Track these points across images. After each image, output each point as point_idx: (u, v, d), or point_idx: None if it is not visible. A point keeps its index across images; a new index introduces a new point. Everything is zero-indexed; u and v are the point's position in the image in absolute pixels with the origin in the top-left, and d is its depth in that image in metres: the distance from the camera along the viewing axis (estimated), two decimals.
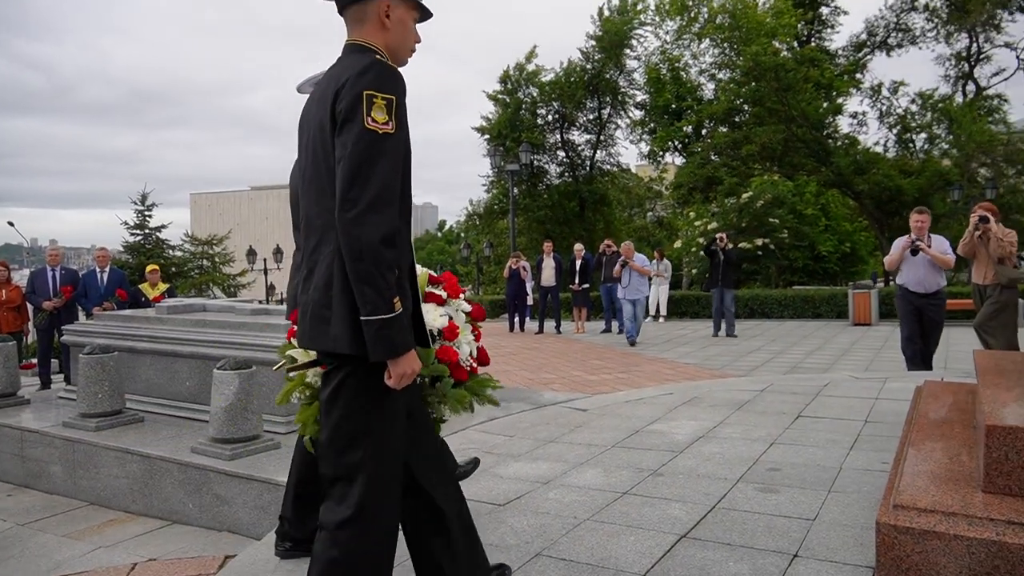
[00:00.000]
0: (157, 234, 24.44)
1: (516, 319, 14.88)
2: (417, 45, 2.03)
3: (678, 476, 3.70)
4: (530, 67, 28.12)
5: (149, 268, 9.83)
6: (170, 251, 25.31)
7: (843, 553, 2.66)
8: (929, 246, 6.96)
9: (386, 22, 1.93)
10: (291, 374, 2.28)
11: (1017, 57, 27.08)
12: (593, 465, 3.99)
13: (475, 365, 2.34)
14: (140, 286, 9.52)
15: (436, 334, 2.18)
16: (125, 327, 6.00)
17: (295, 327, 2.20)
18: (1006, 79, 28.18)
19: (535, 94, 28.37)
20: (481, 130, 28.53)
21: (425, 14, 2.03)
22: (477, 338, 2.37)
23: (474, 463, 3.48)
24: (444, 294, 2.28)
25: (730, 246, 13.06)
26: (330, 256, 1.82)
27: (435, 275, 2.33)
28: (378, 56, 1.87)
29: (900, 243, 7.18)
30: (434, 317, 2.17)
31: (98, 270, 9.02)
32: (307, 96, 2.78)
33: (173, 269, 24.41)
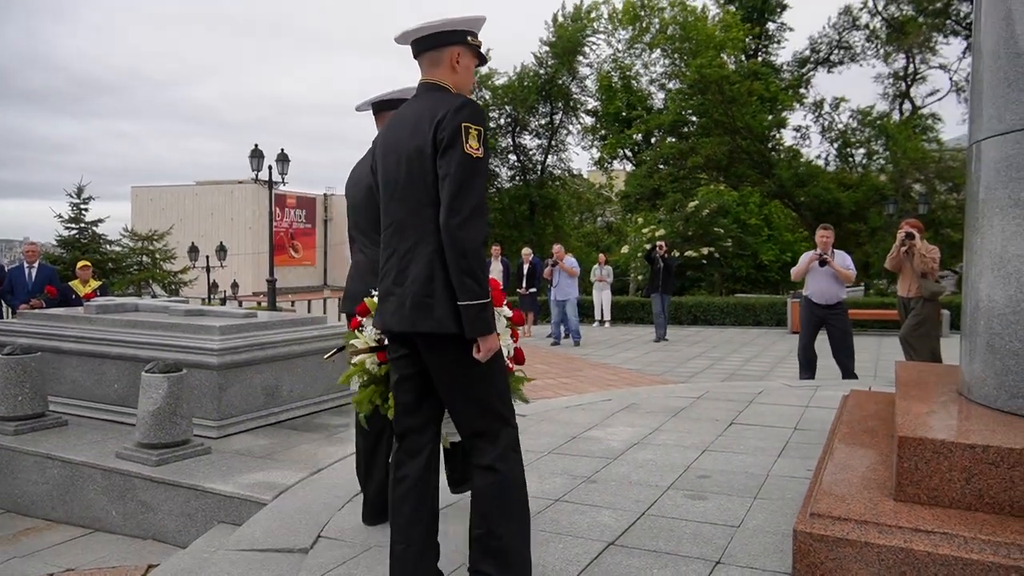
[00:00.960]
0: (93, 228, 23.59)
1: None
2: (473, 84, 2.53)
3: (611, 483, 3.74)
4: (483, 70, 28.13)
5: (80, 264, 9.49)
6: (108, 246, 24.45)
7: (763, 560, 2.73)
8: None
9: (456, 66, 2.40)
10: (353, 360, 2.66)
11: (950, 79, 28.24)
12: (528, 472, 3.97)
13: (511, 364, 2.57)
14: (71, 283, 9.19)
15: None
16: (51, 326, 5.78)
17: (357, 318, 2.69)
18: (940, 99, 29.42)
19: (488, 97, 28.41)
20: None
21: (482, 61, 2.50)
22: (515, 339, 2.61)
23: None
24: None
25: (675, 253, 13.36)
26: (430, 255, 2.23)
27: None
28: (462, 95, 2.35)
29: (806, 257, 7.57)
30: None
31: (26, 265, 8.68)
32: (362, 113, 3.30)
33: (110, 265, 23.59)
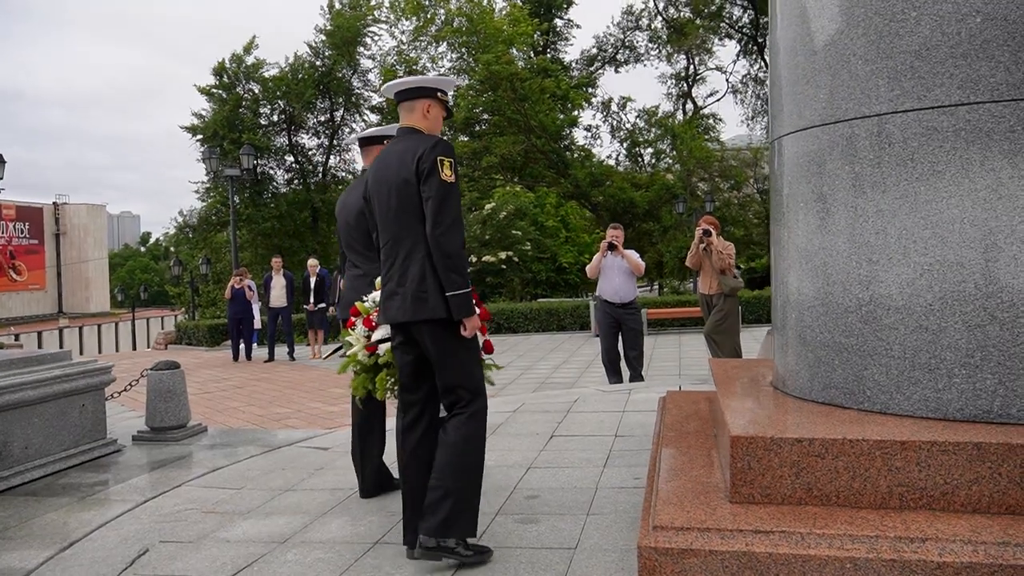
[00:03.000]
0: None
1: (241, 346, 14.02)
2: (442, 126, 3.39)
3: None
4: (250, 60, 26.90)
5: None
6: None
7: None
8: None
9: (427, 115, 3.24)
10: (347, 352, 3.62)
11: (727, 80, 31.53)
12: (339, 514, 3.80)
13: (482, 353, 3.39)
14: None
15: None
16: None
17: (351, 319, 3.63)
18: (718, 100, 32.79)
19: (257, 90, 27.20)
20: (193, 129, 26.69)
21: (449, 113, 3.38)
22: (483, 332, 3.41)
23: None
24: None
25: (473, 259, 13.57)
26: (422, 260, 3.04)
27: None
28: (434, 135, 3.19)
29: (598, 254, 8.04)
30: None
31: None
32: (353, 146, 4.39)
33: None
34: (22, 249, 49.40)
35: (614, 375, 8.05)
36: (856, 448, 2.61)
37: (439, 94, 3.26)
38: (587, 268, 8.22)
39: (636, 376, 7.97)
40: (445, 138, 3.17)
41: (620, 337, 7.96)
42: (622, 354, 8.01)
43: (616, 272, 7.84)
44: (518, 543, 3.21)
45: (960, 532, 2.37)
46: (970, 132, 2.79)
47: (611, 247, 7.80)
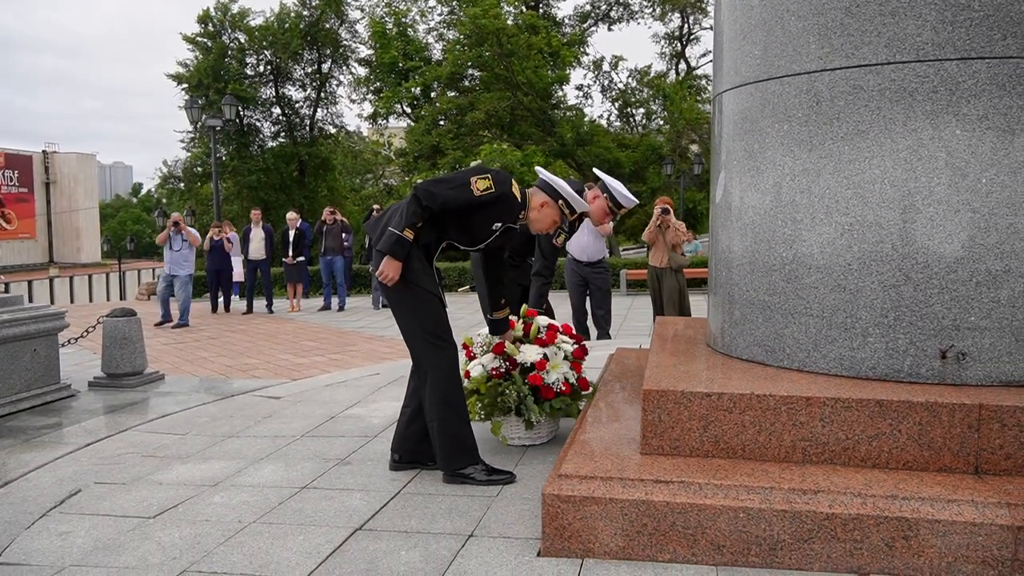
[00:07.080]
0: None
1: (220, 298, 13.99)
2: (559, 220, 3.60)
3: (367, 463, 3.67)
4: (235, 8, 26.42)
5: None
6: None
7: (517, 528, 2.81)
8: None
9: (539, 208, 3.48)
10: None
11: None
12: (274, 459, 3.83)
13: (565, 389, 3.65)
14: None
15: (529, 365, 3.65)
16: None
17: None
18: (712, 60, 32.33)
19: (242, 39, 26.76)
20: (178, 78, 26.30)
21: (563, 220, 3.57)
22: (577, 370, 3.79)
23: None
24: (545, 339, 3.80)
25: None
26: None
27: (556, 324, 3.92)
28: (513, 190, 3.38)
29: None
30: (532, 354, 3.67)
31: None
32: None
33: None
34: (12, 197, 48.91)
35: (581, 333, 8.08)
36: (763, 403, 2.64)
37: (560, 202, 3.49)
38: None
39: (603, 334, 8.00)
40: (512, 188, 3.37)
41: (588, 296, 7.99)
42: (590, 312, 8.04)
43: (584, 231, 7.81)
44: (443, 491, 3.24)
45: (853, 485, 2.41)
46: (894, 92, 2.77)
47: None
